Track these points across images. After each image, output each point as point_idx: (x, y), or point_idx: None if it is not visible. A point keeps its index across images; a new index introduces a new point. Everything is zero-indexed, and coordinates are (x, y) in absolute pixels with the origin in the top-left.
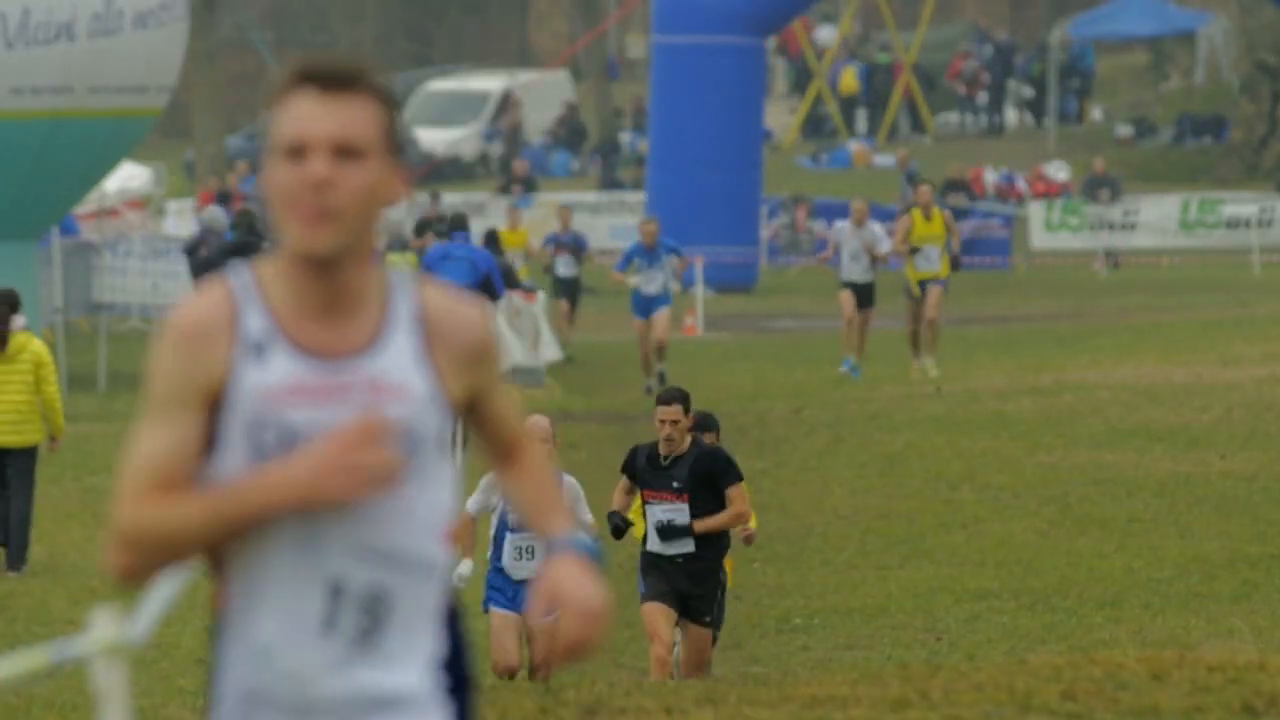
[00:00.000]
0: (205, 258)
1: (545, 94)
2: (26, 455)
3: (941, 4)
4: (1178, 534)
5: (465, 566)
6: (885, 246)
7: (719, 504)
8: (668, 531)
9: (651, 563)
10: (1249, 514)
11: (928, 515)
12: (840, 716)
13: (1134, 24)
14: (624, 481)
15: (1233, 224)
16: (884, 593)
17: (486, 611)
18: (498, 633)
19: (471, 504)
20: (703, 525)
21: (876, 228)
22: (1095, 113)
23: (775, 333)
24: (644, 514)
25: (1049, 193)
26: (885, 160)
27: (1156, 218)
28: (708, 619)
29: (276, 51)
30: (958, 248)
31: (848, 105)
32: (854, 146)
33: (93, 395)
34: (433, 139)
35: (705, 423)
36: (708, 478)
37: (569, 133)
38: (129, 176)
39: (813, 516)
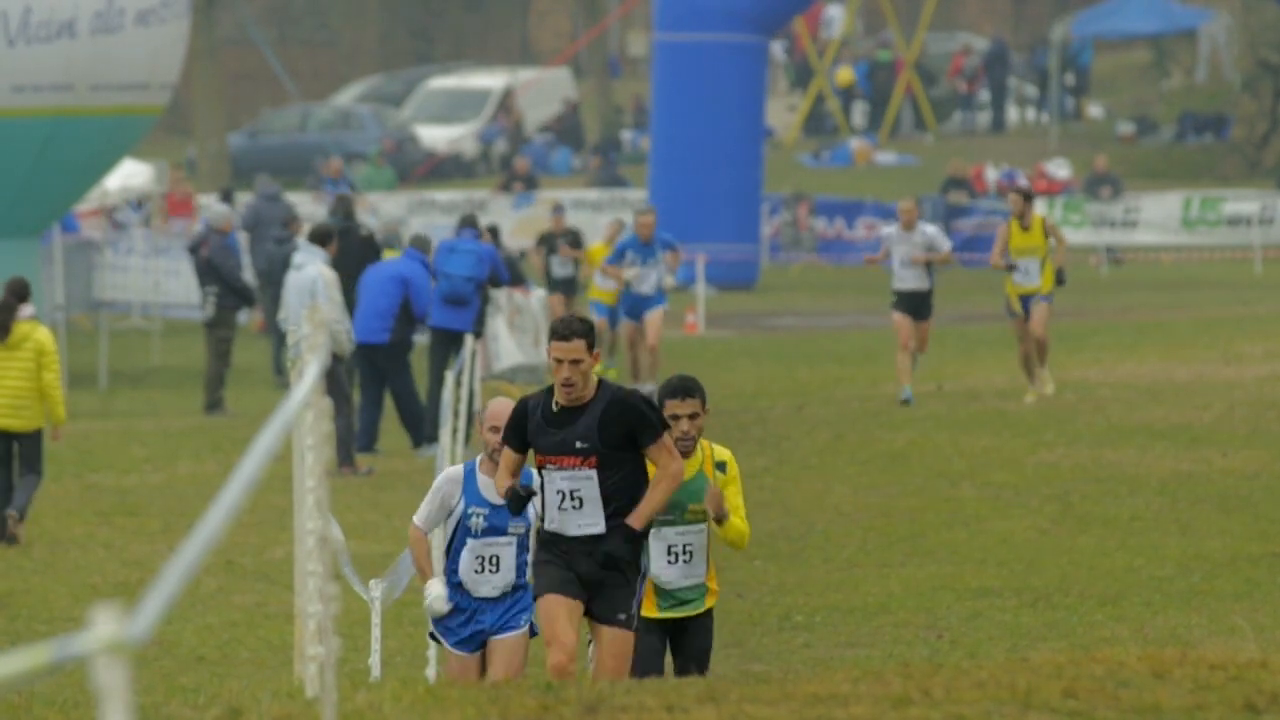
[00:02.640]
0: (207, 257)
1: (546, 92)
2: (31, 438)
3: (943, 1)
4: (1179, 532)
5: (436, 586)
6: (945, 246)
7: (638, 467)
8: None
9: (550, 543)
10: (1250, 512)
11: (929, 513)
12: (841, 714)
13: (1136, 21)
14: (508, 457)
15: (1234, 222)
16: (885, 590)
17: (433, 639)
18: (457, 674)
19: (420, 518)
20: (641, 518)
21: (930, 229)
22: (1093, 109)
23: (776, 330)
24: (540, 483)
25: (1051, 190)
26: (886, 158)
27: (1158, 215)
28: (622, 616)
29: (278, 49)
30: (1062, 258)
31: (849, 102)
32: (855, 144)
33: (93, 393)
34: (434, 136)
35: (686, 388)
36: (623, 434)
37: (568, 130)
38: (130, 174)
39: (814, 514)
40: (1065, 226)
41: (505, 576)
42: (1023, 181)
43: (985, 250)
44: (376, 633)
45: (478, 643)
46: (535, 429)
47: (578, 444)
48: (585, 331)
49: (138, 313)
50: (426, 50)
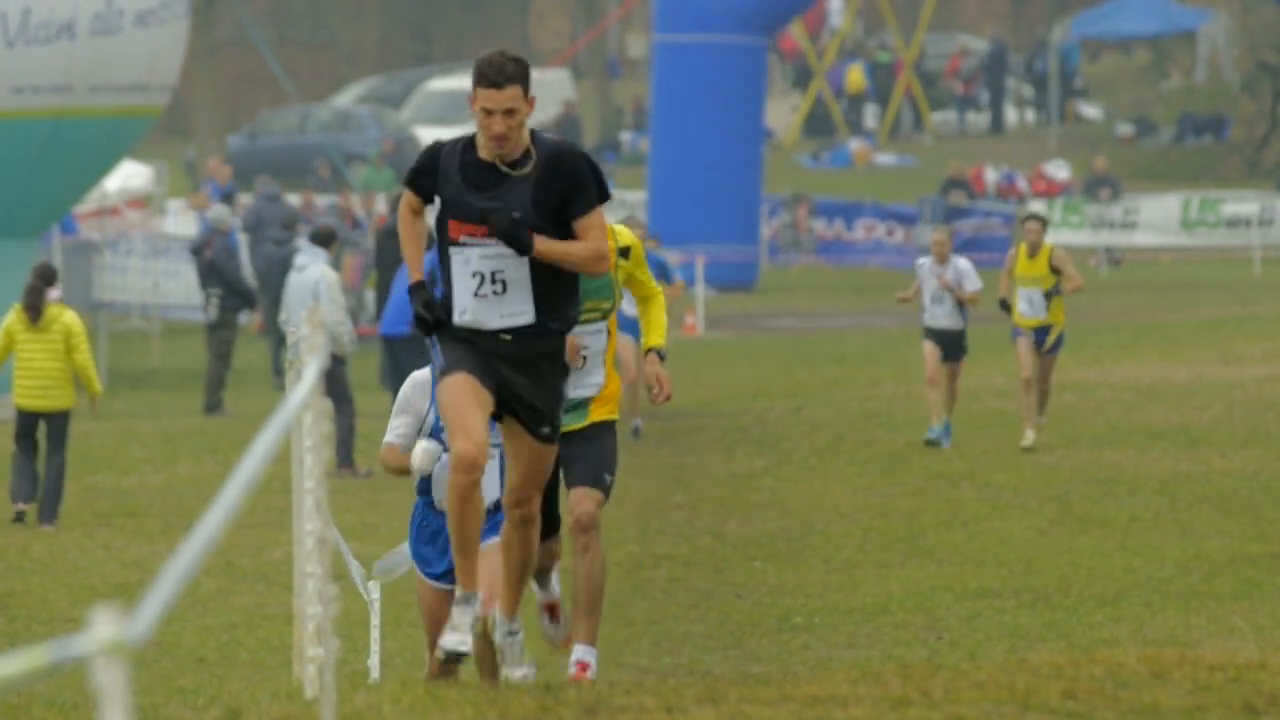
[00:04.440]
0: (210, 258)
1: (545, 93)
2: (59, 418)
3: (942, 2)
4: (1178, 532)
5: (425, 445)
6: (973, 286)
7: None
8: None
9: (463, 339)
10: (1249, 513)
11: (928, 514)
12: (841, 715)
13: (1135, 22)
14: (410, 199)
15: (1233, 223)
16: (885, 591)
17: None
18: (435, 610)
19: (394, 436)
20: (545, 246)
21: (962, 263)
22: (1092, 111)
23: (776, 332)
24: (446, 263)
25: (1050, 191)
26: (885, 159)
27: (1157, 216)
28: (545, 429)
29: (277, 50)
30: (1068, 290)
31: (854, 104)
32: (855, 145)
33: None
34: (433, 137)
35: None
36: (561, 200)
37: (566, 131)
38: (130, 175)
39: (813, 515)
40: (1064, 229)
41: (490, 493)
42: (1022, 183)
43: (984, 251)
44: (376, 634)
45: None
46: (451, 187)
47: (512, 211)
48: (520, 74)
49: (137, 314)
50: (426, 51)
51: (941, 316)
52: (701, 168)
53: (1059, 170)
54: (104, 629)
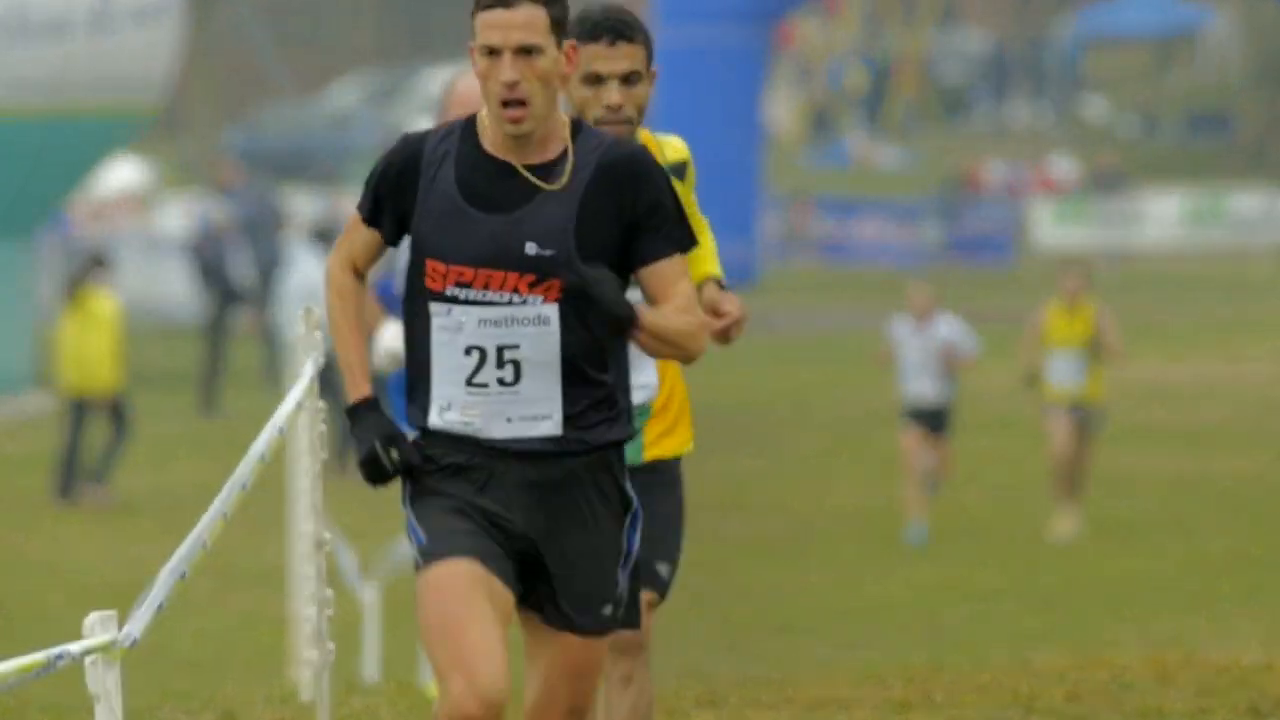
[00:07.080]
0: (206, 257)
1: None
2: (111, 400)
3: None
4: (1181, 534)
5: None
6: (970, 349)
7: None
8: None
9: (445, 465)
10: (1254, 514)
11: (931, 515)
12: (843, 718)
13: (1140, 20)
14: (360, 238)
15: (1238, 220)
16: (886, 593)
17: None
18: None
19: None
20: (651, 324)
21: (950, 327)
22: (1096, 108)
23: (776, 330)
24: (418, 325)
25: (1053, 188)
26: (886, 157)
27: (1161, 214)
28: (607, 610)
29: (274, 46)
30: (1115, 358)
31: (850, 103)
32: (855, 143)
33: None
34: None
35: (619, 25)
36: (619, 229)
37: None
38: (127, 173)
39: (815, 516)
40: (1068, 225)
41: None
42: (1026, 180)
43: (985, 250)
44: (372, 637)
45: None
46: (437, 201)
47: (529, 247)
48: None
49: (133, 313)
50: (422, 46)
51: (929, 390)
52: (700, 165)
53: (1063, 167)
54: (99, 631)
